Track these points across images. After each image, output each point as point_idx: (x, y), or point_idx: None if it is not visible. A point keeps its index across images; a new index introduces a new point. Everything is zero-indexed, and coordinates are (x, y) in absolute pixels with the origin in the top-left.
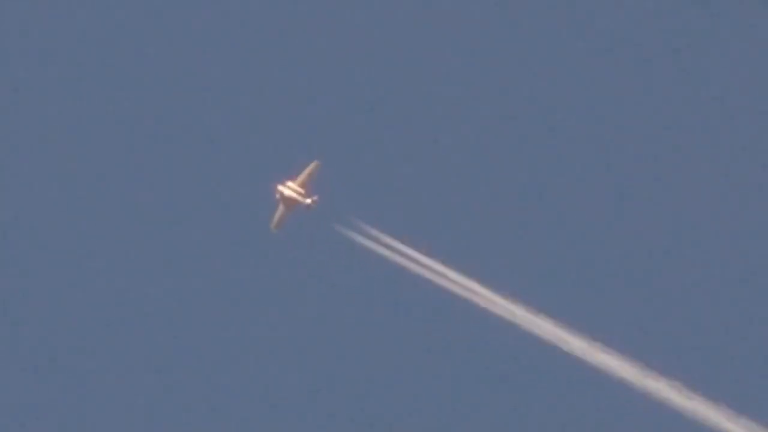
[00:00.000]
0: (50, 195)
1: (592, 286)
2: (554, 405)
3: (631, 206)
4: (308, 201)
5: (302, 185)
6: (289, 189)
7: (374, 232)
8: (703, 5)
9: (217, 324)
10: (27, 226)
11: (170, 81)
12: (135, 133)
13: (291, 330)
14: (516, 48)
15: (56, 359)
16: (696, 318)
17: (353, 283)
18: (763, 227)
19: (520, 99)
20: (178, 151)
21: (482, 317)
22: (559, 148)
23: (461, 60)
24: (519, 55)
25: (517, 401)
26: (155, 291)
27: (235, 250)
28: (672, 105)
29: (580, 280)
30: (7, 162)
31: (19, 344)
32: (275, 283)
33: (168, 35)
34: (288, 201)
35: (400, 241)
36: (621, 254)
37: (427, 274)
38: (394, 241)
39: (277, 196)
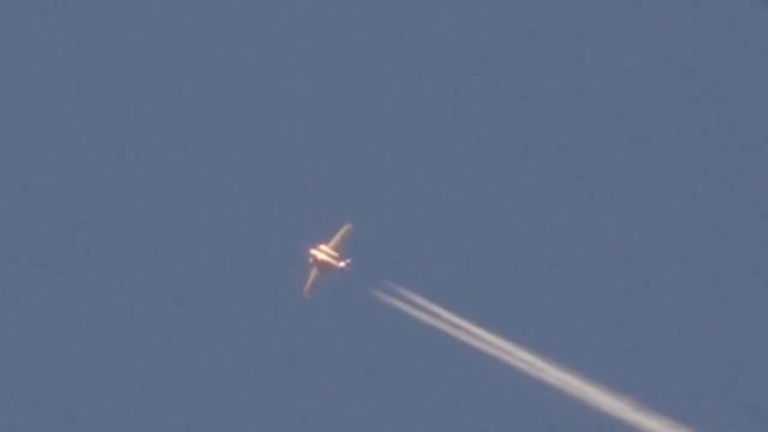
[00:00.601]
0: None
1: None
2: None
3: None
4: (342, 264)
5: (335, 248)
6: (323, 252)
7: (408, 294)
8: (703, 5)
9: (251, 389)
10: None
11: (200, 144)
12: (163, 197)
13: (324, 395)
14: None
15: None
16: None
17: (387, 346)
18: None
19: (550, 162)
20: (209, 218)
21: (521, 380)
22: (588, 212)
23: (493, 120)
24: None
25: None
26: (183, 357)
27: (267, 315)
28: (664, 115)
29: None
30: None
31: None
32: (308, 347)
33: (193, 91)
34: (321, 265)
35: (434, 303)
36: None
37: (463, 337)
38: (428, 303)
39: (310, 260)
